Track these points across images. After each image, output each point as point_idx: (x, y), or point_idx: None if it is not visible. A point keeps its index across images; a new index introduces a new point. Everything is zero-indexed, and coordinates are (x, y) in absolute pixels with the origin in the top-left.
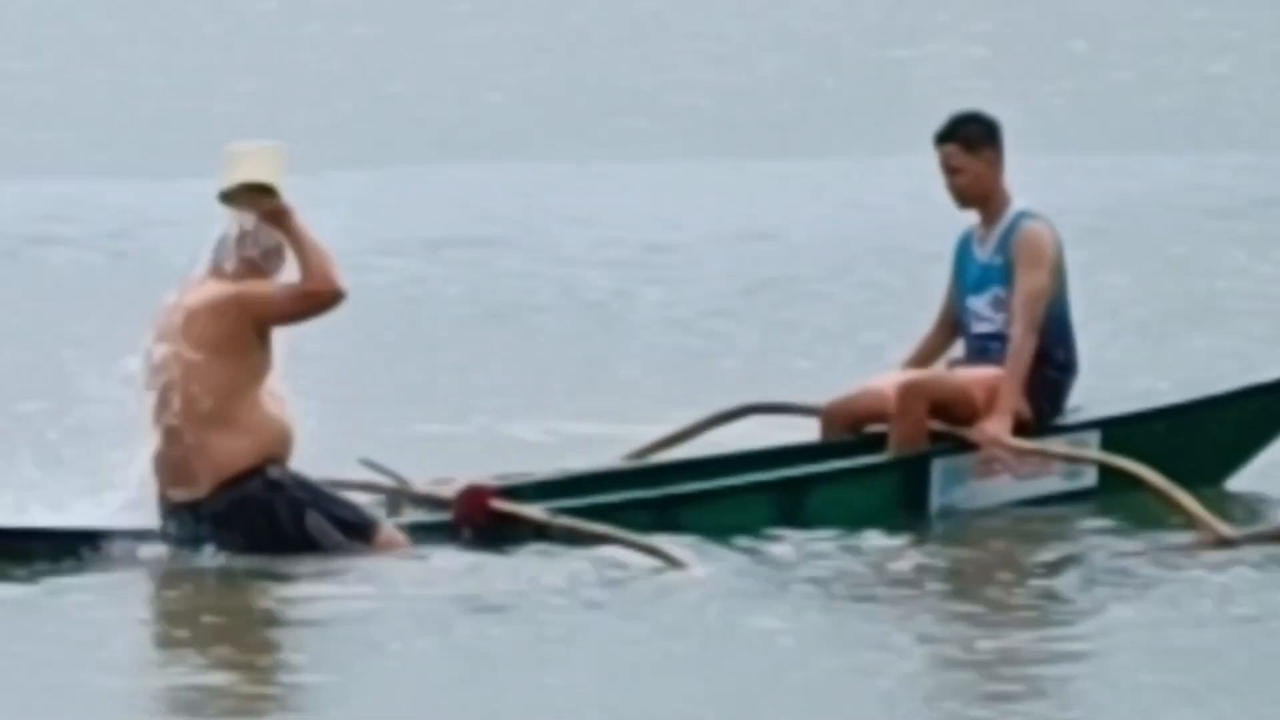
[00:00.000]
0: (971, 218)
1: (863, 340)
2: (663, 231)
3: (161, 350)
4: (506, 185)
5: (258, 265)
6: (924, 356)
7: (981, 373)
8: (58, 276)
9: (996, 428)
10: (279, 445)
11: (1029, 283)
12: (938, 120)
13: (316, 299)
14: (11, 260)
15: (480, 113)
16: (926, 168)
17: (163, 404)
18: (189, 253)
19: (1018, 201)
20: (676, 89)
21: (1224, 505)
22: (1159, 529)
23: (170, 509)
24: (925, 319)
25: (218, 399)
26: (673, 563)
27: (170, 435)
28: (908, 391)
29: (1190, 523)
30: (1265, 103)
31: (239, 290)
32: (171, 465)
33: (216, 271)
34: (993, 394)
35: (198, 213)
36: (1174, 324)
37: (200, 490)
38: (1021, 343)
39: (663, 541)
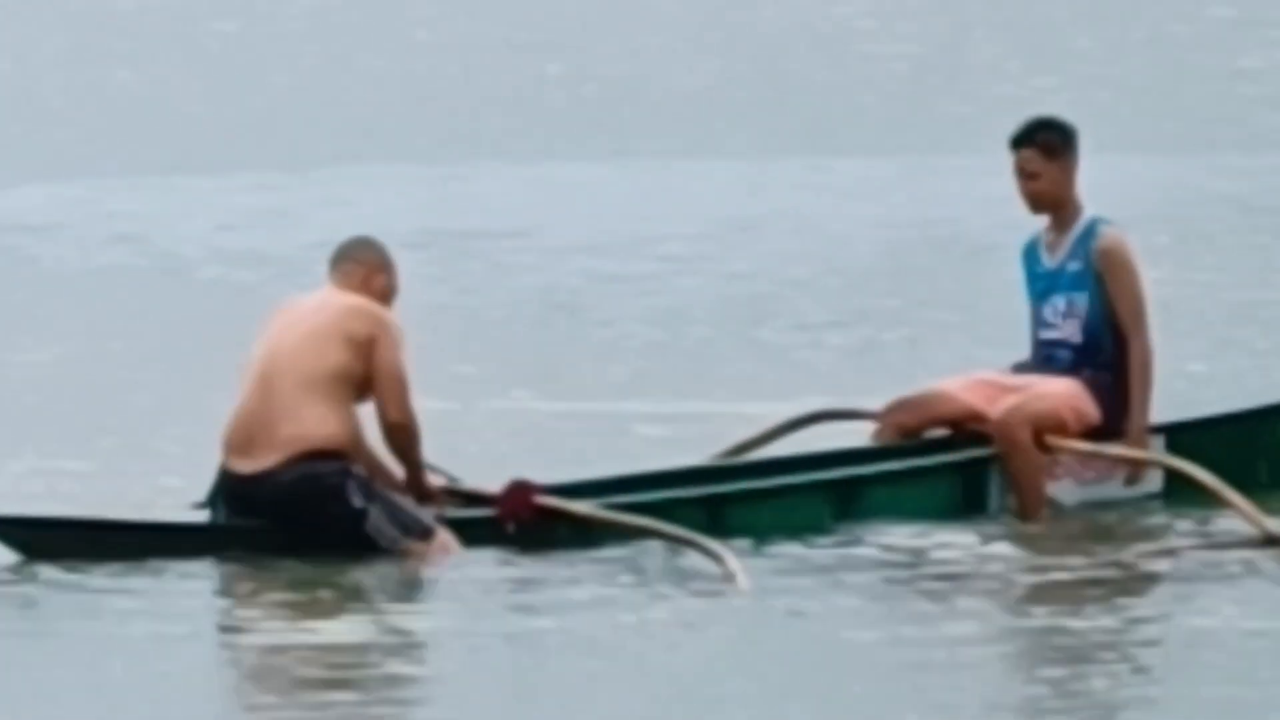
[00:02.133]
0: (1036, 223)
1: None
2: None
3: (302, 320)
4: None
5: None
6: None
7: (1064, 389)
8: None
9: (1132, 439)
10: (357, 445)
11: (1130, 292)
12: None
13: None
14: None
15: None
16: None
17: (270, 360)
18: None
19: (1089, 208)
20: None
21: None
22: (1212, 527)
23: (230, 484)
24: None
25: (325, 372)
26: (715, 558)
27: (263, 388)
28: (1008, 422)
29: (1242, 521)
30: None
31: (382, 317)
32: (250, 425)
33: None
34: (1077, 412)
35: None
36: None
37: (272, 458)
38: (1143, 356)
39: (704, 538)
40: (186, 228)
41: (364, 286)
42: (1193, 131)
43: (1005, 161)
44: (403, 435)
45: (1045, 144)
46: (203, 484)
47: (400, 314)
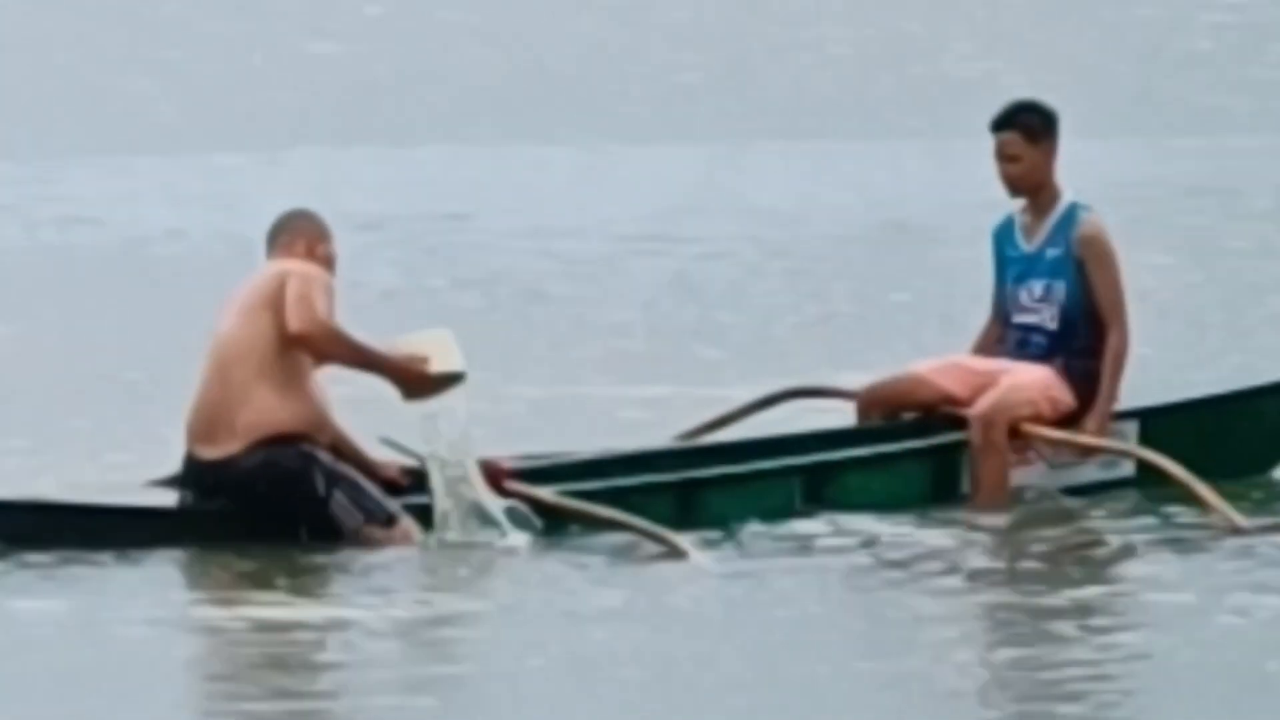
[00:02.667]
0: (1008, 205)
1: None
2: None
3: (239, 302)
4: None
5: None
6: (985, 348)
7: (1041, 378)
8: None
9: (1094, 426)
10: (319, 424)
11: (1111, 281)
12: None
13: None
14: None
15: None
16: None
17: (220, 346)
18: None
19: (1068, 193)
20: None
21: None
22: (1180, 516)
23: (195, 470)
24: None
25: (273, 353)
26: (676, 551)
27: (219, 376)
28: (991, 420)
29: (1208, 511)
30: None
31: (299, 266)
32: (210, 414)
33: (290, 248)
34: (1053, 400)
35: None
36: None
37: (233, 446)
38: (1120, 345)
39: (669, 531)
40: (137, 209)
41: (308, 255)
42: (1134, 113)
43: (956, 145)
44: (313, 341)
45: (1027, 127)
46: (156, 465)
47: (353, 296)
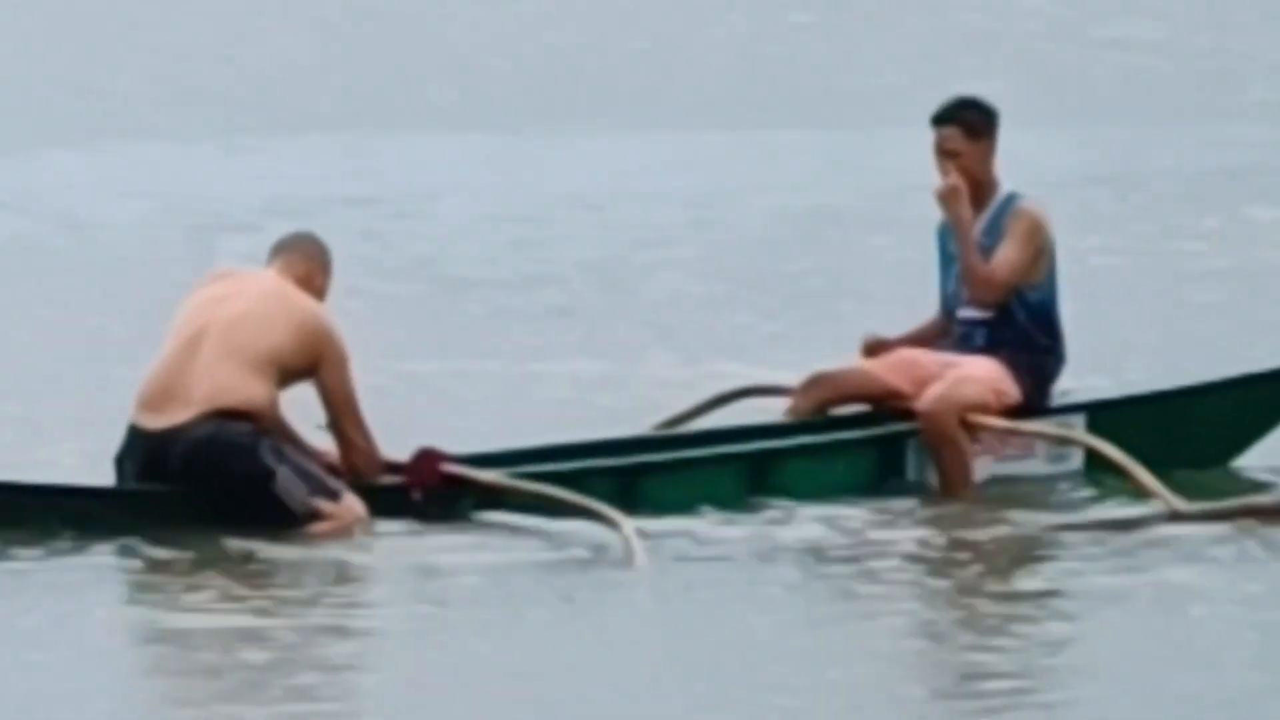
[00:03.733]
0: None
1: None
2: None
3: (238, 286)
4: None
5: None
6: (922, 339)
7: (986, 372)
8: None
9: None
10: (272, 414)
11: (1010, 255)
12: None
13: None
14: None
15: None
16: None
17: (207, 323)
18: None
19: (1006, 184)
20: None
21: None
22: (1123, 505)
23: (139, 441)
24: None
25: (259, 349)
26: (614, 528)
27: (190, 348)
28: (937, 413)
29: (1148, 497)
30: None
31: (332, 333)
32: (168, 382)
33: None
34: (998, 393)
35: None
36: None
37: (184, 415)
38: (985, 283)
39: (604, 505)
40: (78, 197)
41: (305, 281)
42: (1056, 103)
43: (890, 135)
44: (358, 462)
45: (968, 123)
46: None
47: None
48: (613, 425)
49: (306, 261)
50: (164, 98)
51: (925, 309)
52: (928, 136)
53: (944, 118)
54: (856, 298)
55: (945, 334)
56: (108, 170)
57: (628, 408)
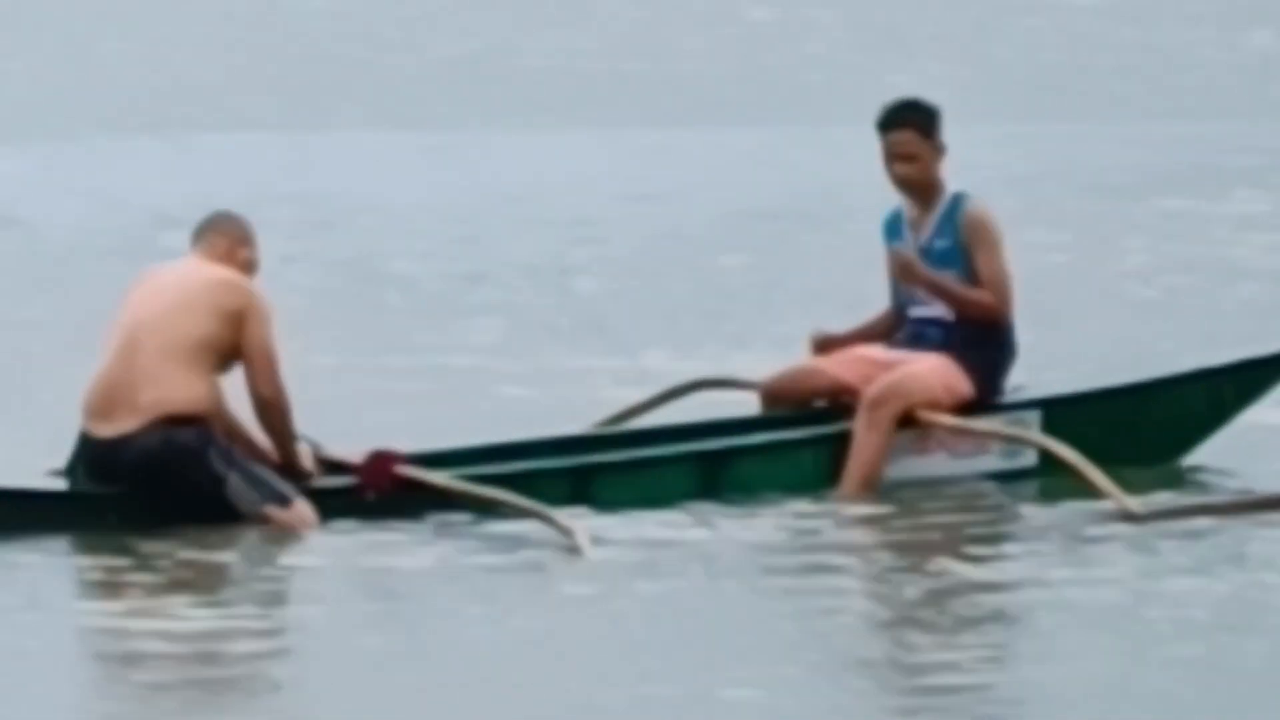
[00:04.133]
0: (892, 200)
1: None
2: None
3: (161, 281)
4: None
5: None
6: (871, 334)
7: (936, 365)
8: None
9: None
10: (218, 410)
11: (991, 262)
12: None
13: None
14: None
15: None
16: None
17: (138, 326)
18: None
19: (951, 183)
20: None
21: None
22: (1076, 504)
23: (89, 448)
24: None
25: (196, 347)
26: (565, 533)
27: (128, 355)
28: (879, 400)
29: (1103, 498)
30: None
31: (250, 292)
32: (112, 391)
33: (213, 245)
34: (949, 389)
35: None
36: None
37: (132, 423)
38: (991, 307)
39: (557, 512)
40: (14, 193)
41: (228, 258)
42: (1016, 100)
43: (827, 132)
44: (274, 411)
45: (920, 124)
46: (53, 452)
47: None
48: (554, 421)
49: (225, 239)
50: (102, 95)
51: (864, 305)
52: (858, 133)
53: (896, 122)
54: (796, 294)
55: (894, 329)
56: (46, 168)
57: (568, 403)
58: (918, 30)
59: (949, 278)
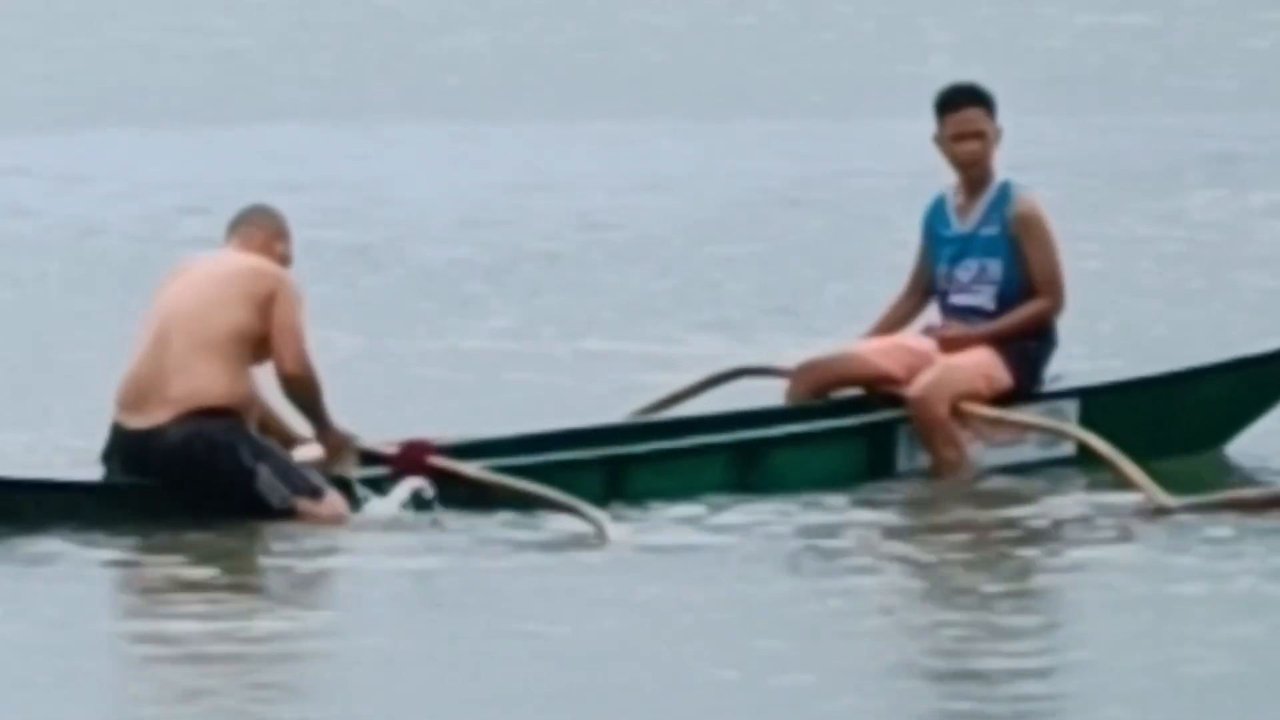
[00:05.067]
0: (939, 184)
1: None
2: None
3: (199, 279)
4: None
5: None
6: (894, 322)
7: (977, 357)
8: None
9: (950, 334)
10: (249, 404)
11: (1044, 258)
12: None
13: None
14: None
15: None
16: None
17: (171, 318)
18: None
19: (1000, 171)
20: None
21: (1216, 471)
22: (1110, 496)
23: (122, 439)
24: None
25: (229, 338)
26: (596, 525)
27: (160, 346)
28: (927, 399)
29: (1135, 491)
30: None
31: (282, 275)
32: (144, 383)
33: (248, 239)
34: (990, 379)
35: None
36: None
37: (163, 415)
38: (1046, 306)
39: (589, 506)
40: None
41: (264, 251)
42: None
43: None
44: (300, 387)
45: (986, 101)
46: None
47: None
48: (583, 407)
49: (261, 232)
50: (120, 85)
51: (867, 293)
52: (864, 127)
53: (964, 99)
54: (818, 279)
55: (911, 315)
56: (68, 156)
57: (594, 389)
58: (928, 20)
59: (993, 270)
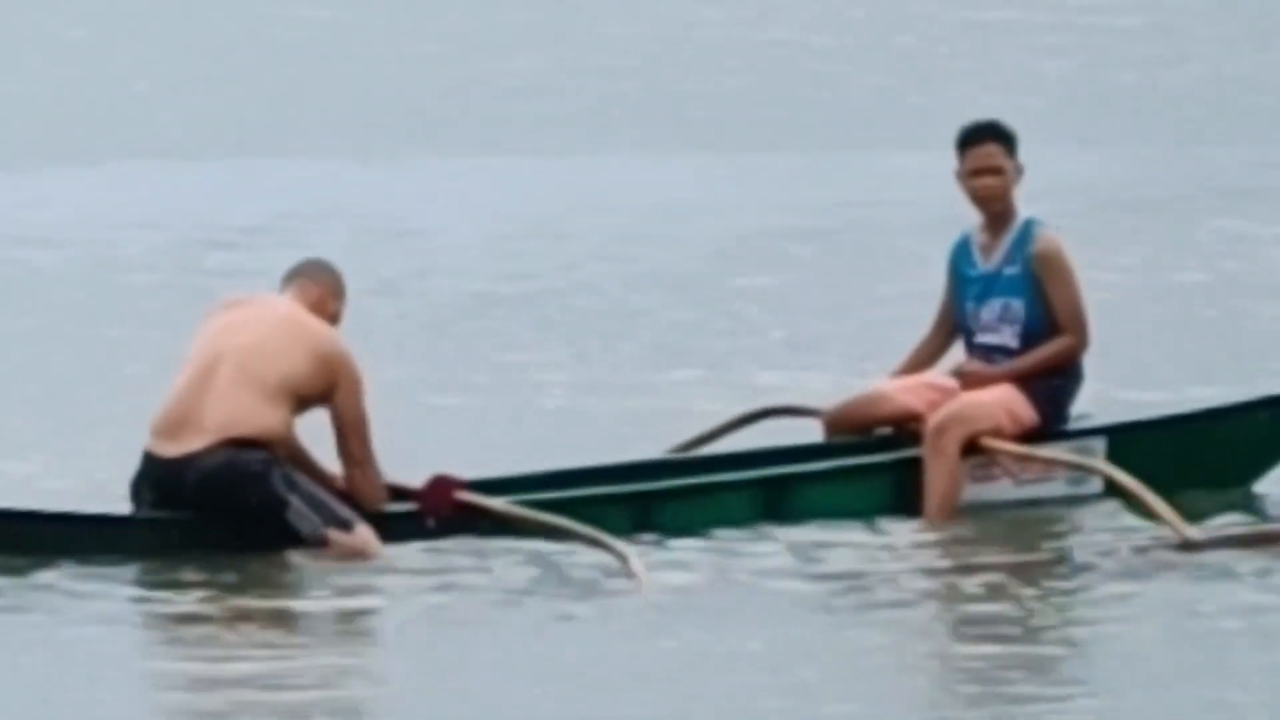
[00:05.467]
0: (965, 224)
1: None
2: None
3: (250, 313)
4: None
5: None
6: (921, 361)
7: (999, 394)
8: None
9: (969, 369)
10: (287, 441)
11: (1067, 297)
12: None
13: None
14: None
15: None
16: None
17: (218, 347)
18: None
19: (1023, 209)
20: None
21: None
22: (1135, 531)
23: (153, 468)
24: None
25: (275, 375)
26: (621, 560)
27: (205, 376)
28: (942, 428)
29: (1160, 524)
30: None
31: (347, 359)
32: (182, 411)
33: (305, 291)
34: (1013, 415)
35: None
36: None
37: (198, 442)
38: (1070, 345)
39: (615, 540)
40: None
41: (318, 307)
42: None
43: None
44: (363, 474)
45: (1006, 138)
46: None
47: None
48: (612, 437)
49: (319, 287)
50: (142, 117)
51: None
52: (888, 157)
53: (983, 134)
54: (844, 315)
55: (938, 353)
56: (90, 187)
57: (625, 420)
58: (945, 49)
59: (1015, 309)
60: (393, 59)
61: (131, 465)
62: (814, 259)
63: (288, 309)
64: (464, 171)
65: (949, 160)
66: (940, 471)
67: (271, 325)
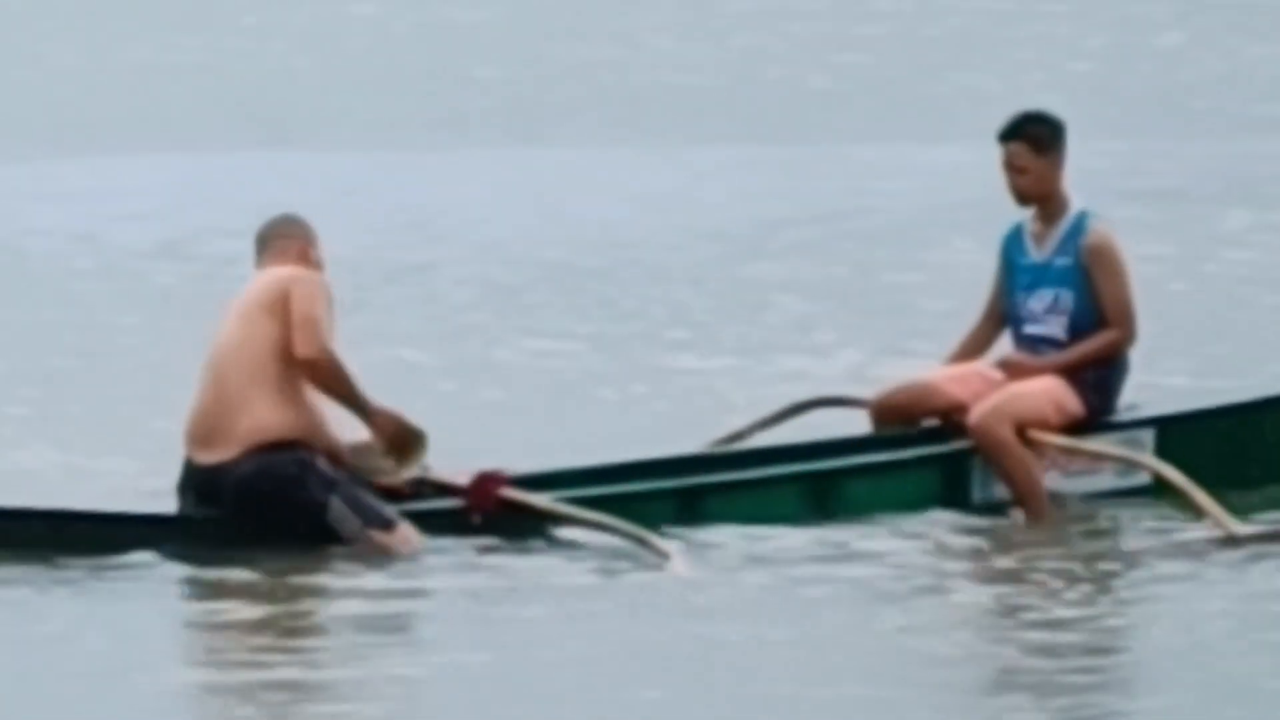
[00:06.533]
0: (1019, 213)
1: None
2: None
3: (237, 308)
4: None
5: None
6: (971, 350)
7: (1044, 384)
8: None
9: (1016, 360)
10: (315, 431)
11: (1115, 291)
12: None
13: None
14: None
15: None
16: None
17: (218, 352)
18: None
19: (1076, 201)
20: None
21: None
22: (1181, 524)
23: (193, 474)
24: None
25: (271, 360)
26: (663, 557)
27: (216, 383)
28: (985, 422)
29: (1206, 519)
30: None
31: (297, 271)
32: (207, 420)
33: (284, 253)
34: (1058, 405)
35: None
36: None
37: (230, 451)
38: (1118, 337)
39: (656, 537)
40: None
41: (302, 259)
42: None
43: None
44: (321, 372)
45: (1034, 138)
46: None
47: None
48: (653, 427)
49: (295, 241)
50: (166, 107)
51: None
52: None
53: (1010, 133)
54: (883, 306)
55: (986, 343)
56: (112, 179)
57: (665, 410)
58: (965, 44)
59: (1065, 300)
60: (414, 50)
61: (148, 458)
62: (841, 249)
63: (254, 285)
64: (485, 164)
65: (967, 153)
66: (1008, 464)
67: (242, 316)
